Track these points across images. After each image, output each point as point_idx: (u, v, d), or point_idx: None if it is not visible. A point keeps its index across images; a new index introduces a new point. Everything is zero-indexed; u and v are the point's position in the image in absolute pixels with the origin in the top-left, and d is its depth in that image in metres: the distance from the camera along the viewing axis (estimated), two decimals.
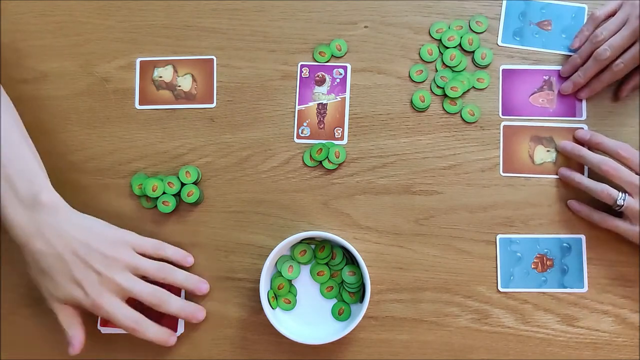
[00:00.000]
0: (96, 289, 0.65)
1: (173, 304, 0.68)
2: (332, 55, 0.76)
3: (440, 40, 0.75)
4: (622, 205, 0.67)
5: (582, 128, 0.73)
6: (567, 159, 0.73)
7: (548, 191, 0.73)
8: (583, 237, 0.72)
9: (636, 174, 0.67)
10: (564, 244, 0.72)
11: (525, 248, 0.72)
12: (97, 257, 0.65)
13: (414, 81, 0.75)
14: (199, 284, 0.72)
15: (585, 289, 0.71)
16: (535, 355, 0.71)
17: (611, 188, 0.68)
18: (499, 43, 0.75)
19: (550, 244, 0.72)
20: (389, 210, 0.74)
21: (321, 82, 0.76)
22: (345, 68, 0.76)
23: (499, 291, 0.72)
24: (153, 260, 0.69)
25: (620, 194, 0.67)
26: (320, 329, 0.72)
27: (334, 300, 0.73)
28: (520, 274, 0.72)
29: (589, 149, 0.71)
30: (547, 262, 0.69)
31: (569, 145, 0.72)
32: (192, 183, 0.74)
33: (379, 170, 0.74)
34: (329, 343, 0.69)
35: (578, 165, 0.73)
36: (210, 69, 0.77)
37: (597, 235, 0.71)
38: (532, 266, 0.71)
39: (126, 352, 0.74)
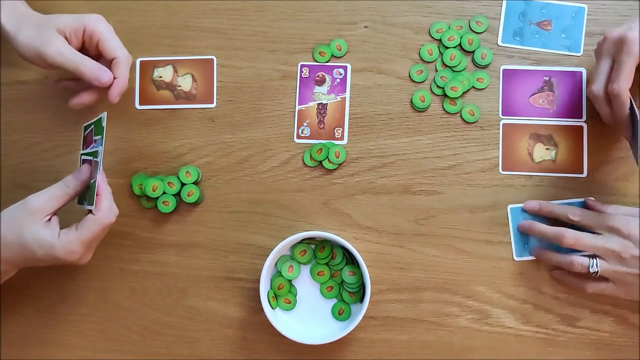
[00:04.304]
0: None
1: None
2: (332, 55, 0.76)
3: (440, 40, 0.75)
4: (597, 272, 0.65)
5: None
6: (565, 160, 0.73)
7: (549, 192, 0.72)
8: None
9: (593, 232, 0.66)
10: None
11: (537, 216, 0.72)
12: None
13: (414, 81, 0.75)
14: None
15: None
16: (535, 356, 0.71)
17: (579, 257, 0.66)
18: (499, 43, 0.75)
19: None
20: (389, 210, 0.74)
21: (321, 82, 0.76)
22: (345, 68, 0.76)
23: (514, 260, 0.72)
24: None
25: (590, 260, 0.65)
26: (320, 329, 0.72)
27: (334, 300, 0.73)
28: (534, 241, 0.71)
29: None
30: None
31: (526, 224, 0.70)
32: (192, 183, 0.74)
33: (379, 170, 0.74)
34: (329, 343, 0.69)
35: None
36: (210, 69, 0.77)
37: None
38: None
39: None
